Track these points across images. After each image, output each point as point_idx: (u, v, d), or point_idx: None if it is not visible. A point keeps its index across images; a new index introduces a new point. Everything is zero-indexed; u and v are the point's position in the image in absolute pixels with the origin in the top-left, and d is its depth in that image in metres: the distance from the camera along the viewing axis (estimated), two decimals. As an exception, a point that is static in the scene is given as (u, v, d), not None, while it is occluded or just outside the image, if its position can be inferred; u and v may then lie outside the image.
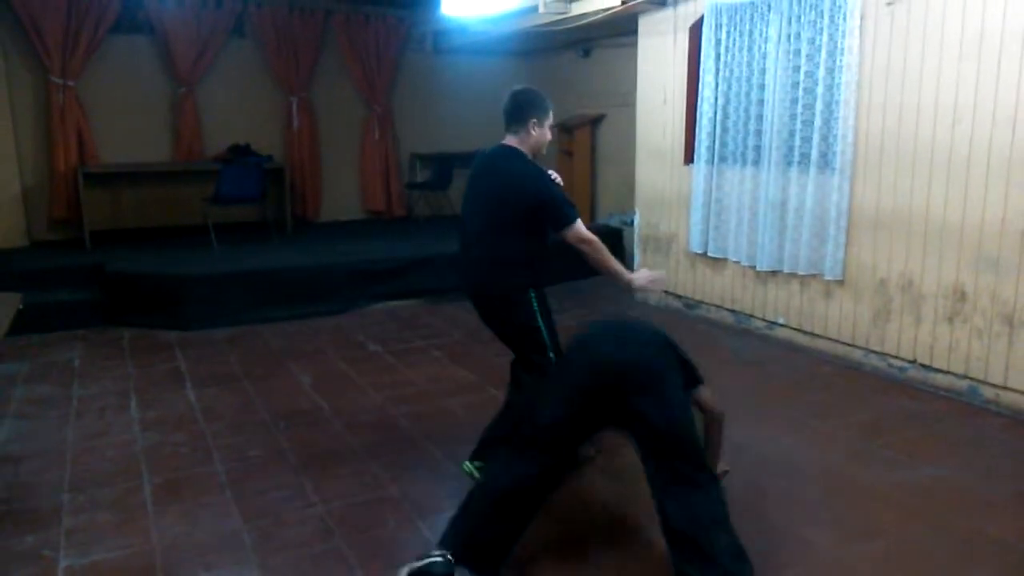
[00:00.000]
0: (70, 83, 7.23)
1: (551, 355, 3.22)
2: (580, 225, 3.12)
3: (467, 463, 3.36)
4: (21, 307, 4.68)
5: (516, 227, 3.15)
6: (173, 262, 6.43)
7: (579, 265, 3.35)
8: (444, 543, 2.56)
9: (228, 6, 7.85)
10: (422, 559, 2.50)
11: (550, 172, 3.28)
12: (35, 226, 7.37)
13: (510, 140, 3.25)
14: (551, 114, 3.27)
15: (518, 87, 3.31)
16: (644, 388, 2.52)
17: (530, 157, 3.24)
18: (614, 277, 3.24)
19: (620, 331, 2.84)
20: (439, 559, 2.50)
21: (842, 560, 2.78)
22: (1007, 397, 4.08)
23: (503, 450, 2.76)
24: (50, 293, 5.93)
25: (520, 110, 3.21)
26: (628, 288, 3.37)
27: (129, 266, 6.24)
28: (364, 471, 3.48)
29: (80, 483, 3.38)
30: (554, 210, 3.12)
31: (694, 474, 2.49)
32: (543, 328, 3.23)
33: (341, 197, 8.97)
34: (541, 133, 3.23)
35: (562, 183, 3.33)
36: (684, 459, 2.49)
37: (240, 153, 7.85)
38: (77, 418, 4.13)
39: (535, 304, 3.21)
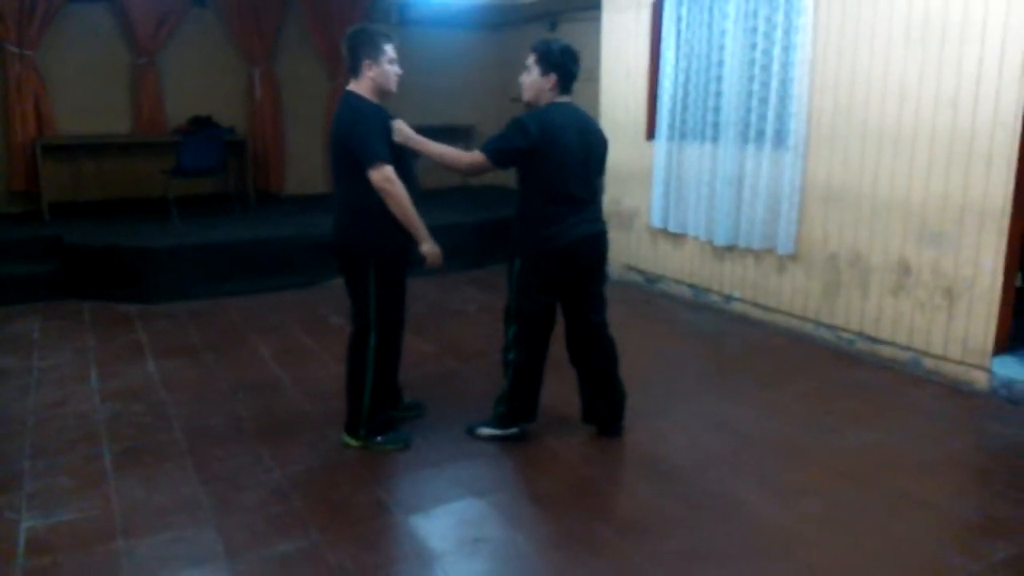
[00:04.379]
0: (27, 52, 7.10)
1: (373, 333, 3.31)
2: (383, 169, 3.08)
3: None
4: (-22, 278, 4.68)
5: (349, 173, 3.19)
6: (134, 235, 6.39)
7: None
8: (518, 416, 3.45)
9: (189, -25, 7.73)
10: (507, 428, 3.46)
11: (395, 120, 3.23)
12: (-9, 198, 7.28)
13: (351, 85, 3.27)
14: (387, 48, 3.21)
15: (350, 29, 3.29)
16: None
17: (371, 98, 3.22)
18: (412, 230, 3.22)
19: None
20: (515, 430, 3.48)
21: (777, 517, 2.93)
22: (946, 367, 4.26)
23: (526, 339, 3.37)
24: (8, 266, 5.90)
25: (351, 54, 3.23)
26: (420, 246, 3.30)
27: (88, 238, 6.21)
28: (321, 439, 3.56)
29: (41, 450, 3.42)
30: (358, 148, 3.11)
31: None
32: (372, 298, 3.28)
33: (305, 170, 8.92)
34: (379, 72, 3.21)
35: (405, 132, 3.23)
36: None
37: (202, 125, 7.78)
38: (37, 388, 4.15)
39: (372, 272, 3.25)
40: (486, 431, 3.52)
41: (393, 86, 3.28)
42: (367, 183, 3.12)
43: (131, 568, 2.59)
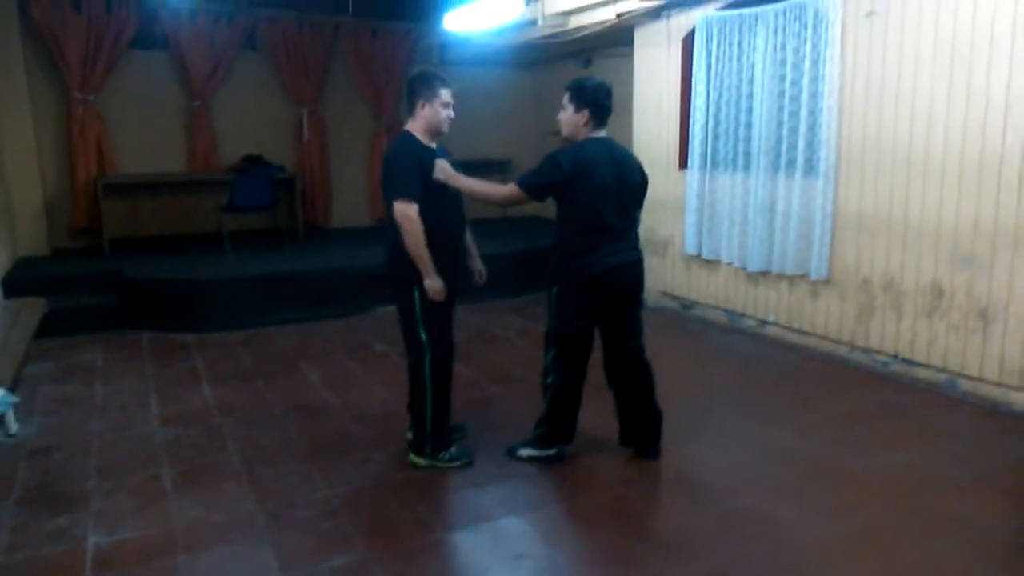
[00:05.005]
0: (90, 98, 7.53)
1: (427, 355, 3.47)
2: (406, 204, 3.27)
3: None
4: (46, 311, 4.98)
5: (391, 203, 3.35)
6: (189, 268, 6.70)
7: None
8: (557, 437, 3.59)
9: (240, 22, 8.14)
10: (546, 449, 3.59)
11: (440, 160, 3.40)
12: (56, 235, 7.66)
13: (408, 124, 3.49)
14: (442, 91, 3.41)
15: (412, 73, 3.55)
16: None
17: (422, 136, 3.44)
18: (419, 264, 3.33)
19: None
20: (555, 451, 3.60)
21: (812, 536, 2.99)
22: (982, 388, 4.27)
23: (565, 363, 3.51)
24: (72, 298, 6.20)
25: (409, 94, 3.47)
26: (424, 281, 3.38)
27: (147, 272, 6.52)
28: (367, 459, 3.72)
29: (105, 472, 3.63)
30: (388, 183, 3.34)
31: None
32: (420, 322, 3.44)
33: (350, 205, 9.24)
34: (432, 111, 3.42)
35: (447, 171, 3.38)
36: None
37: (253, 163, 8.13)
38: (101, 414, 4.38)
39: (417, 295, 3.40)
40: (526, 452, 3.65)
41: (444, 127, 3.49)
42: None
43: (192, 581, 2.75)
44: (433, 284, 3.38)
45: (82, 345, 5.77)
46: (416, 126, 3.46)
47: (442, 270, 3.41)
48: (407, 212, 3.29)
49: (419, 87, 3.43)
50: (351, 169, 9.18)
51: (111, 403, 4.55)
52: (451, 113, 3.48)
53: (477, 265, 3.79)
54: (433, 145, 3.50)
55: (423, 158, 3.38)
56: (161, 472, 3.62)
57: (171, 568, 2.82)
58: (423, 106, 3.42)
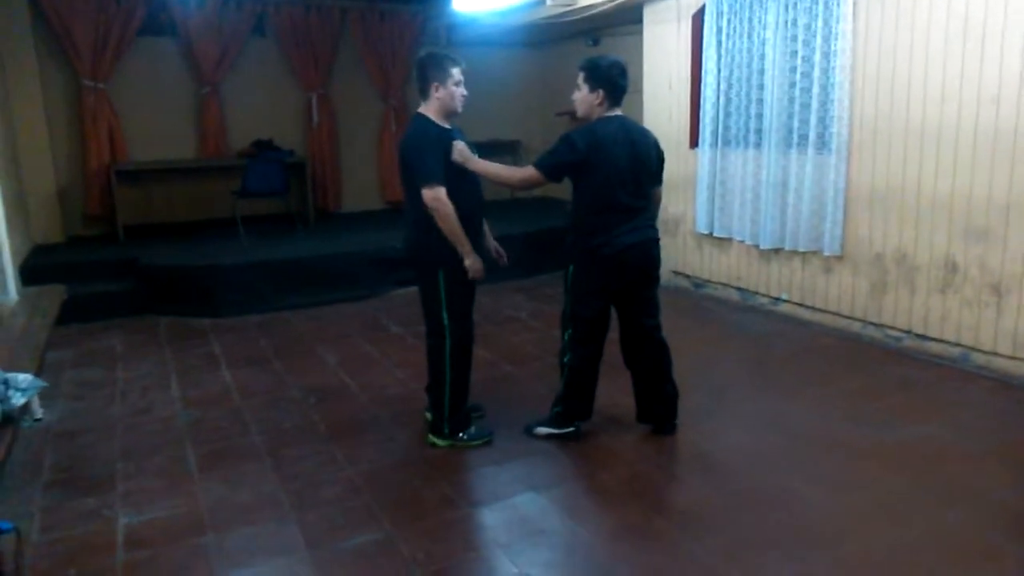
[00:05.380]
0: (101, 85, 7.56)
1: (448, 337, 3.51)
2: (435, 189, 3.28)
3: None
4: (65, 298, 5.04)
5: (412, 188, 3.40)
6: (203, 254, 6.76)
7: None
8: (575, 415, 3.64)
9: (248, 7, 8.14)
10: (564, 427, 3.63)
11: (457, 143, 3.41)
12: (70, 223, 7.73)
13: (421, 107, 3.49)
14: (453, 71, 3.40)
15: (420, 55, 3.53)
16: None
17: (437, 118, 3.44)
18: (457, 245, 3.37)
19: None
20: (572, 429, 3.65)
21: (827, 509, 3.03)
22: (996, 362, 4.29)
23: (582, 342, 3.54)
24: (88, 285, 6.26)
25: (421, 77, 3.46)
26: (464, 260, 3.43)
27: (162, 259, 6.59)
28: (388, 439, 3.78)
29: (130, 454, 3.70)
30: (415, 170, 3.35)
31: None
32: (444, 304, 3.48)
33: (361, 188, 9.27)
34: (446, 93, 3.42)
35: (465, 154, 3.41)
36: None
37: (263, 148, 8.16)
38: (123, 398, 4.46)
39: (441, 278, 3.45)
40: (544, 430, 3.70)
41: (459, 107, 3.48)
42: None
43: (221, 559, 2.81)
44: (474, 263, 3.41)
45: (100, 331, 5.84)
46: (431, 108, 3.46)
47: (458, 255, 3.45)
48: (437, 196, 3.31)
49: (431, 69, 3.42)
50: (361, 153, 9.21)
51: (132, 387, 4.62)
52: (464, 91, 3.48)
53: (493, 244, 3.82)
54: (448, 126, 3.51)
55: (442, 140, 3.40)
56: (185, 454, 3.68)
57: (201, 546, 2.89)
58: (437, 88, 3.42)
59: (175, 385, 4.64)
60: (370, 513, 3.09)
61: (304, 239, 7.49)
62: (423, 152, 3.36)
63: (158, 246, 7.15)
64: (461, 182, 3.40)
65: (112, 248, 7.20)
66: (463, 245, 3.39)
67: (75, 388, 4.64)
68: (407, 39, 8.99)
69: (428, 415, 3.77)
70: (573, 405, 3.63)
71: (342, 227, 8.17)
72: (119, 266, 6.62)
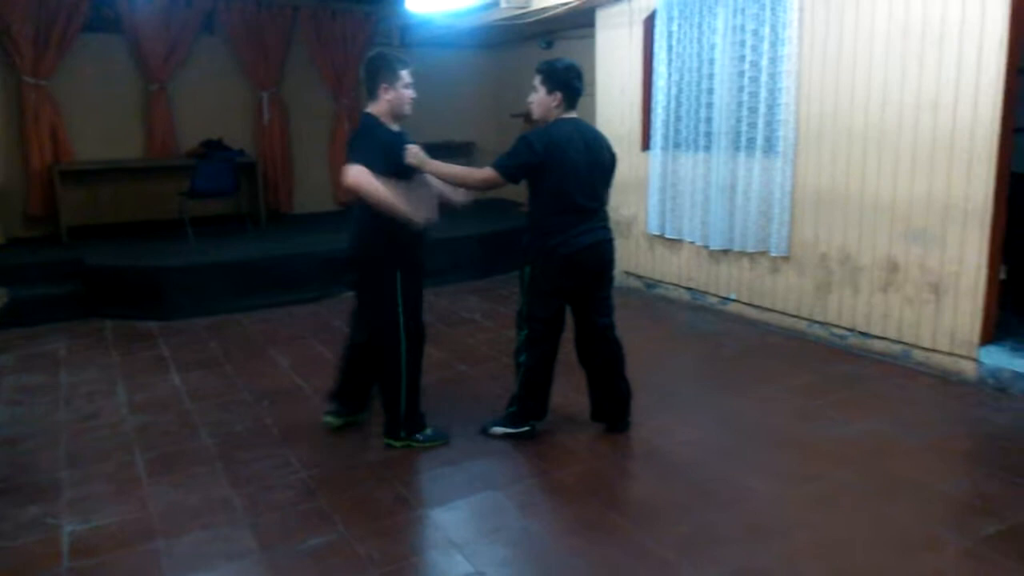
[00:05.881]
0: (43, 82, 7.34)
1: (403, 339, 3.49)
2: (353, 169, 3.19)
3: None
4: (6, 301, 4.89)
5: None
6: (151, 255, 6.60)
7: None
8: (530, 414, 3.65)
9: (197, 4, 7.97)
10: (519, 427, 3.64)
11: (411, 146, 3.39)
12: (10, 224, 7.47)
13: (369, 107, 3.47)
14: (403, 73, 3.39)
15: (370, 54, 3.52)
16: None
17: (386, 119, 3.41)
18: (392, 212, 3.25)
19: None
20: (528, 428, 3.67)
21: (777, 501, 3.12)
22: (935, 359, 4.45)
23: (537, 342, 3.57)
24: (31, 288, 6.07)
25: (369, 77, 3.43)
26: (408, 219, 3.32)
27: (108, 260, 6.42)
28: (342, 440, 3.75)
29: (76, 460, 3.60)
30: (349, 158, 3.28)
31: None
32: (400, 304, 3.46)
33: (314, 189, 9.16)
34: (395, 95, 3.41)
35: (420, 157, 3.39)
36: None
37: (213, 148, 8.00)
38: (67, 403, 4.33)
39: (398, 278, 3.43)
40: (499, 430, 3.71)
41: (407, 109, 3.47)
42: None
43: (172, 564, 2.76)
44: (412, 203, 3.30)
45: (43, 335, 5.67)
46: (379, 109, 3.44)
47: (411, 254, 3.44)
48: (356, 173, 3.19)
49: (381, 70, 3.40)
50: (312, 153, 9.10)
51: (77, 392, 4.50)
52: (413, 92, 3.47)
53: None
54: (397, 128, 3.49)
55: (390, 143, 3.38)
56: (134, 459, 3.60)
57: (151, 552, 2.83)
58: (386, 90, 3.40)
59: (122, 390, 4.53)
60: (324, 515, 3.06)
61: (255, 240, 7.38)
62: (360, 146, 3.32)
63: (104, 247, 6.96)
64: (410, 186, 3.38)
65: (55, 250, 6.99)
66: (395, 208, 3.25)
67: (16, 394, 4.50)
68: (360, 39, 8.93)
69: (333, 420, 3.81)
70: (528, 404, 3.65)
71: (293, 228, 8.06)
72: (63, 268, 6.42)
